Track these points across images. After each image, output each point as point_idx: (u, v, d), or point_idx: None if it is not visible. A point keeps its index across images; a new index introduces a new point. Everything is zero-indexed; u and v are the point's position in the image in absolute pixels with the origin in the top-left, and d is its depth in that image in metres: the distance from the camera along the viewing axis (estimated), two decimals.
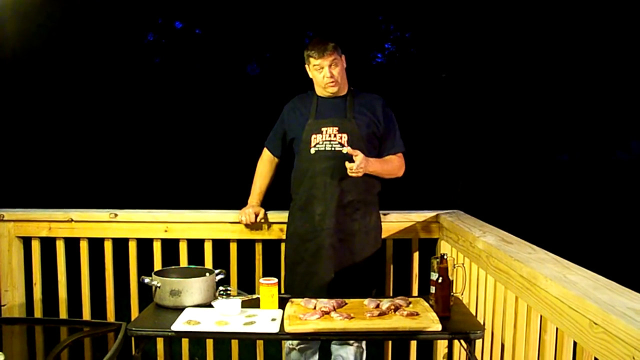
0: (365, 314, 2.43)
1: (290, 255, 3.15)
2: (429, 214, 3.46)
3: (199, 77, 14.94)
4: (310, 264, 3.03)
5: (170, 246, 3.58)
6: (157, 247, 3.54)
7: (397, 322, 2.35)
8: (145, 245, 3.58)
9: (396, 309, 2.47)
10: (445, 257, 2.47)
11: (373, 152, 3.07)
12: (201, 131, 15.02)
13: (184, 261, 3.52)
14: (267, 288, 2.57)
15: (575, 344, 1.85)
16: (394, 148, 3.16)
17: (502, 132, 13.64)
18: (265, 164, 3.32)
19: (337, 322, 2.35)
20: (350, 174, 2.86)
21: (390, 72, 15.19)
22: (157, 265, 3.52)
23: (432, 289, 2.61)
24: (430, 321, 2.33)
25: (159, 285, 2.60)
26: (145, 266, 3.32)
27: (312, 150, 3.02)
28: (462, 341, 2.41)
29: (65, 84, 13.65)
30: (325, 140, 3.01)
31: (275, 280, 2.61)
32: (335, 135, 3.00)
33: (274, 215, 3.32)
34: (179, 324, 2.34)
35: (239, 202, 3.43)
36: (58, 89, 13.63)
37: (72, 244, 3.59)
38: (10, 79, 12.66)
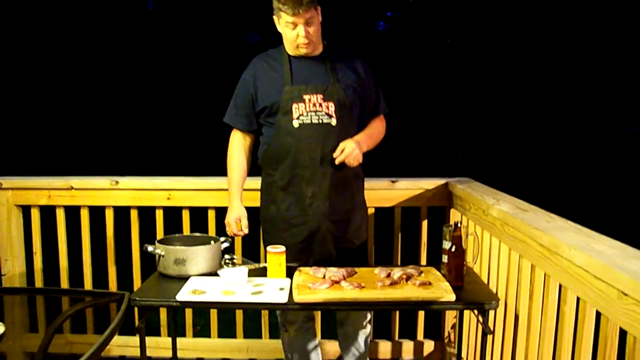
0: (376, 284, 2.35)
1: (269, 241, 2.74)
2: (438, 182, 3.38)
3: (200, 45, 14.78)
4: (300, 250, 2.74)
5: (173, 214, 3.51)
6: (159, 216, 3.46)
7: (410, 291, 2.27)
8: (147, 213, 3.50)
9: (408, 278, 2.39)
10: (459, 225, 2.38)
11: (357, 119, 2.77)
12: (202, 98, 14.85)
13: (187, 230, 3.44)
14: (275, 256, 2.49)
15: (598, 315, 1.77)
16: (378, 111, 2.86)
17: (503, 99, 13.49)
18: (237, 150, 2.83)
19: (348, 292, 2.27)
20: (352, 165, 2.63)
21: (393, 39, 15.01)
22: (160, 234, 3.45)
23: (444, 258, 2.53)
24: (444, 291, 2.26)
25: (162, 253, 2.52)
26: (148, 235, 3.24)
27: (295, 124, 2.62)
28: (475, 312, 2.33)
29: (65, 52, 13.47)
30: (310, 111, 2.62)
31: (283, 248, 2.52)
32: (320, 105, 2.62)
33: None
34: (184, 294, 2.26)
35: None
36: (58, 56, 13.45)
37: (72, 213, 3.52)
38: (8, 46, 12.47)
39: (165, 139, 14.60)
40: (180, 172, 3.74)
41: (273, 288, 2.35)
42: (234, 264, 2.63)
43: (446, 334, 3.50)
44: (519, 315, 2.35)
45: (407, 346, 3.55)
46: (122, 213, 3.51)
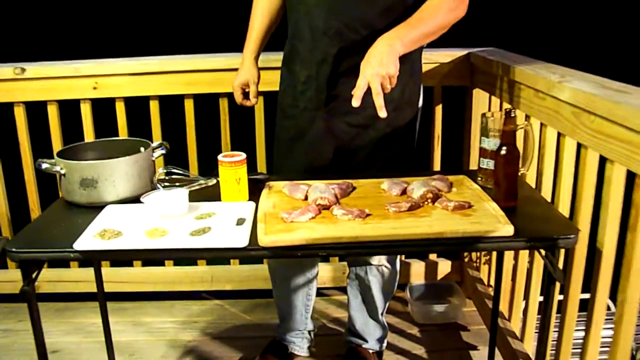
0: (387, 208, 1.53)
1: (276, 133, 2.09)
2: (458, 53, 2.56)
3: None
4: (288, 153, 2.00)
5: (105, 109, 2.65)
6: (85, 112, 2.61)
7: (442, 222, 1.44)
8: (72, 109, 2.63)
9: (435, 198, 1.57)
10: (512, 114, 1.53)
11: None
12: None
13: (123, 130, 2.60)
14: (230, 169, 1.65)
15: None
16: None
17: None
18: None
19: (344, 226, 1.44)
20: (386, 91, 1.58)
21: None
22: (89, 136, 2.60)
23: (484, 163, 1.72)
24: (494, 220, 1.44)
25: (63, 172, 1.67)
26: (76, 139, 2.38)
27: None
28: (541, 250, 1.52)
29: None
30: None
31: (243, 155, 1.67)
32: None
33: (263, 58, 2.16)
34: (87, 239, 1.43)
35: (193, 44, 2.43)
36: None
37: None
38: None
39: (89, 11, 11.25)
40: (110, 54, 2.81)
41: (227, 221, 1.52)
42: (173, 182, 1.78)
43: (466, 252, 2.75)
44: (601, 251, 1.55)
45: (417, 268, 2.82)
46: (38, 110, 2.64)
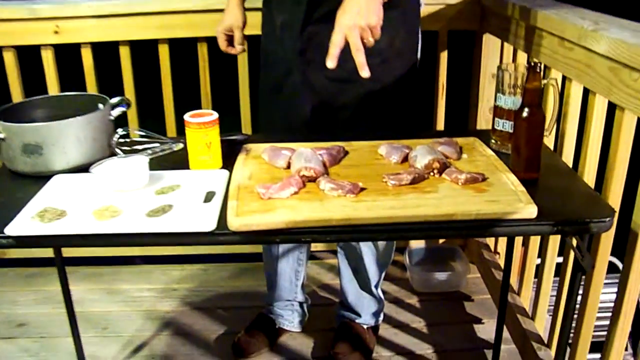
0: (385, 180, 1.28)
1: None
2: None
3: None
4: (265, 107, 1.80)
5: (71, 56, 2.37)
6: (47, 60, 2.33)
7: (452, 200, 1.19)
8: (32, 57, 2.36)
9: (443, 168, 1.31)
10: (538, 68, 1.27)
11: None
12: None
13: (91, 81, 2.33)
14: (199, 132, 1.39)
15: None
16: None
17: None
18: None
19: (333, 205, 1.19)
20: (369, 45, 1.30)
21: None
22: (53, 88, 2.33)
23: (500, 124, 1.46)
24: (514, 197, 1.19)
25: (2, 136, 1.41)
26: (40, 90, 2.11)
27: None
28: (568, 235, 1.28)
29: None
30: None
31: (214, 115, 1.41)
32: None
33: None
34: (24, 220, 1.19)
35: None
36: None
37: None
38: None
39: None
40: None
41: (193, 196, 1.27)
42: (132, 146, 1.52)
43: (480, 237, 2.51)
44: (637, 233, 1.31)
45: None
46: None
